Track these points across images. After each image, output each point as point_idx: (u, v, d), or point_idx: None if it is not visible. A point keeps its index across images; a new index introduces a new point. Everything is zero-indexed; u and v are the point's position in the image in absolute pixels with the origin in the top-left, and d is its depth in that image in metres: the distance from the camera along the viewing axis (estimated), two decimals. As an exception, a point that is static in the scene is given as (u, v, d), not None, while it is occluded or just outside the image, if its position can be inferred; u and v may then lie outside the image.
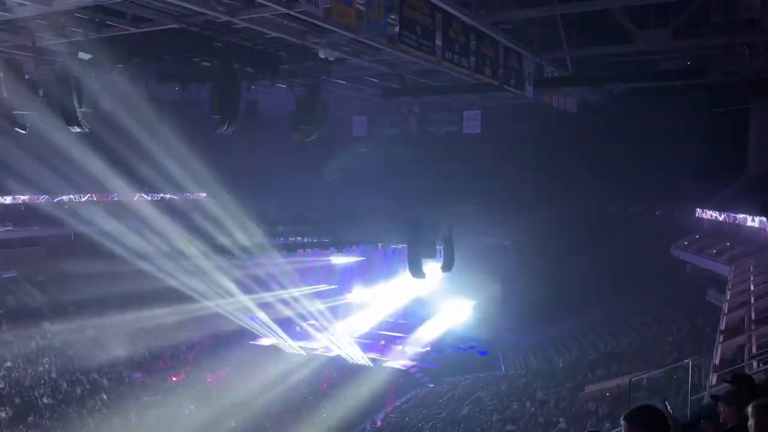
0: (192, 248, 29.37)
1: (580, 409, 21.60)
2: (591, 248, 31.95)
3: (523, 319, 34.52)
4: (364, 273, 41.82)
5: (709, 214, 31.81)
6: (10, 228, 36.04)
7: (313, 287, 40.21)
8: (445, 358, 34.15)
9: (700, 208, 32.55)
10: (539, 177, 33.92)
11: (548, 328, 33.71)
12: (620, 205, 32.70)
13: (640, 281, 33.46)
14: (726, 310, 21.27)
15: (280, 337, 36.97)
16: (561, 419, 20.82)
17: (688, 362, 8.25)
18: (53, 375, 27.34)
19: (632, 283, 33.33)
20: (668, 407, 4.10)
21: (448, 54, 13.87)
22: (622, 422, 3.30)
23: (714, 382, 16.71)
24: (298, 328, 38.03)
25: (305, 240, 30.90)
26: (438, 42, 13.33)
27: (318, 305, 39.10)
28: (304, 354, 35.58)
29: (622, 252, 30.94)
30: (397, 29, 12.21)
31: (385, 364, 33.72)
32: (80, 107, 14.92)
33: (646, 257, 32.52)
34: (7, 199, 35.72)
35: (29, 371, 27.05)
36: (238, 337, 36.16)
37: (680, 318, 28.59)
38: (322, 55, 17.42)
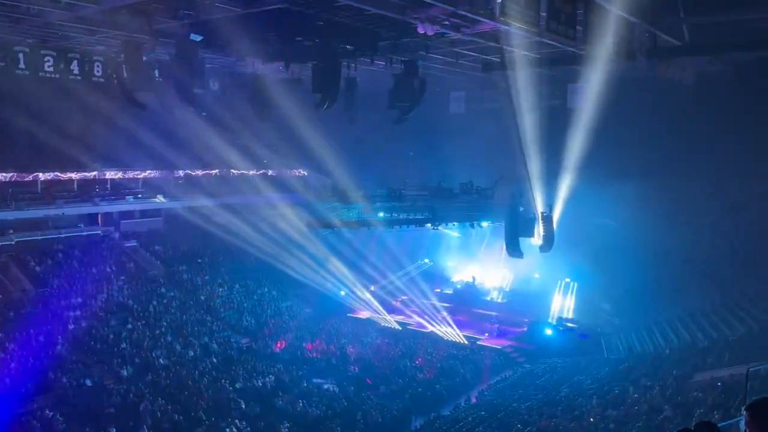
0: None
1: (687, 397, 20.55)
2: (704, 229, 29.92)
3: (627, 303, 33.06)
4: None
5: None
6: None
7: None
8: (543, 339, 33.47)
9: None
10: (648, 154, 32.01)
11: (656, 313, 32.09)
12: (738, 184, 30.22)
13: (759, 265, 30.99)
14: None
15: (377, 311, 37.85)
16: (666, 407, 19.89)
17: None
18: (168, 338, 29.45)
19: (750, 267, 30.94)
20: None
21: (553, 24, 13.35)
22: (744, 413, 3.10)
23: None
24: (395, 303, 38.72)
25: (402, 216, 31.12)
26: (542, 12, 12.87)
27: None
28: (399, 328, 36.13)
29: (738, 234, 28.76)
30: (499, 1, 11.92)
31: (479, 342, 33.57)
32: (195, 87, 15.69)
33: (765, 240, 30.07)
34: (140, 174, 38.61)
35: (147, 333, 29.27)
36: (336, 309, 37.32)
37: (805, 307, 26.38)
38: (421, 30, 17.28)
